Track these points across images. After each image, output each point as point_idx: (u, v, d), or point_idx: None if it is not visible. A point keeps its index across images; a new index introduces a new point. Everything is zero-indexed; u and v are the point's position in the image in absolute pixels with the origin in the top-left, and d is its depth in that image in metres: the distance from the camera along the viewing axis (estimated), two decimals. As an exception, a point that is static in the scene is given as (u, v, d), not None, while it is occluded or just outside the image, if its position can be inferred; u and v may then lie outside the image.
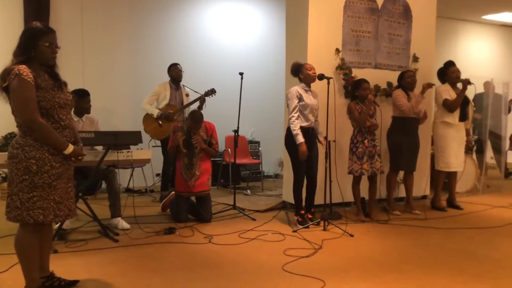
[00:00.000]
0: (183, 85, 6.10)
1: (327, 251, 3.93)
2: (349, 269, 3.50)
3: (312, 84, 4.71)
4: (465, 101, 5.48)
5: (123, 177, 6.57)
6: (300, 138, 4.50)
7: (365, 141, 4.91)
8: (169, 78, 6.03)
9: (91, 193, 6.13)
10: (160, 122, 5.86)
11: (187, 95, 6.05)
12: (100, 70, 6.82)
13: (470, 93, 5.67)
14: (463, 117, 5.52)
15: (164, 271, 3.44)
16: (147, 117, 5.95)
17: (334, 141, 4.98)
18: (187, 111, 5.79)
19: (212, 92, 5.84)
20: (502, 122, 7.06)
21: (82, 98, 4.78)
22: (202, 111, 5.77)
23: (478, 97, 7.43)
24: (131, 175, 6.49)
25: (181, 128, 4.97)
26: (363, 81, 4.94)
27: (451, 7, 8.31)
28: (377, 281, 3.27)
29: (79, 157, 2.87)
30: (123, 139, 4.26)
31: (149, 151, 4.69)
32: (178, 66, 6.03)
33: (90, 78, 6.64)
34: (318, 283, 3.18)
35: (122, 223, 4.56)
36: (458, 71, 5.46)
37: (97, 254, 3.80)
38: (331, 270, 3.46)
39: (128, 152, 4.42)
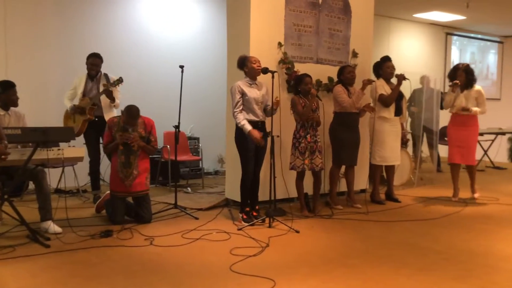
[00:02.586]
0: (105, 74, 5.51)
1: (275, 248, 3.85)
2: (297, 266, 3.44)
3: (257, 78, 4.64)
4: (399, 95, 5.61)
5: (51, 176, 6.12)
6: (248, 127, 4.45)
7: (307, 136, 4.88)
8: None
9: (17, 194, 5.67)
10: (74, 117, 5.44)
11: (104, 85, 5.43)
12: (25, 61, 6.29)
13: (405, 88, 5.81)
14: (398, 112, 5.65)
15: (102, 277, 3.20)
16: (66, 113, 5.54)
17: (278, 136, 4.91)
18: (108, 106, 5.42)
19: (119, 81, 5.30)
20: (434, 116, 7.33)
21: (9, 90, 4.36)
22: (114, 104, 5.40)
23: (417, 92, 7.64)
24: (61, 174, 6.06)
25: (117, 123, 4.67)
26: (305, 75, 4.92)
27: (384, 5, 8.52)
28: (326, 277, 3.23)
29: (3, 156, 2.57)
30: (54, 136, 3.95)
31: (82, 149, 4.39)
32: (92, 59, 5.43)
33: (14, 69, 6.12)
34: (268, 282, 3.09)
35: (54, 227, 4.22)
36: (393, 67, 5.59)
37: (26, 261, 3.48)
38: (280, 268, 3.39)
39: (58, 150, 4.09)
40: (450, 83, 5.79)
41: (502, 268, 3.43)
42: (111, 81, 5.35)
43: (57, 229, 4.22)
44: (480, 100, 5.68)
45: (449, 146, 5.92)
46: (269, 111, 4.62)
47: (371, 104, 5.47)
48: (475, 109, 5.61)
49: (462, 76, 5.62)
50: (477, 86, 5.74)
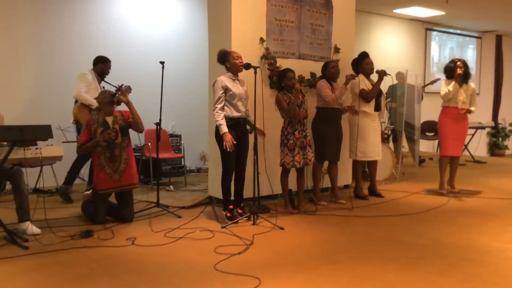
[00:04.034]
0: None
1: (259, 246, 3.81)
2: (283, 264, 3.40)
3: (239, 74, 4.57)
4: (379, 91, 5.62)
5: (30, 176, 5.97)
6: (224, 128, 4.35)
7: (295, 133, 4.83)
8: (89, 68, 5.58)
9: (-7, 195, 5.53)
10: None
11: (103, 87, 5.64)
12: (1, 60, 6.12)
13: (386, 83, 5.82)
14: (377, 107, 5.66)
15: (84, 279, 3.12)
16: (83, 109, 5.37)
17: (262, 132, 4.87)
18: None
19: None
20: (416, 111, 7.38)
21: None
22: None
23: (393, 88, 7.75)
24: (40, 173, 5.91)
25: (96, 120, 4.54)
26: (288, 70, 4.85)
27: (365, 0, 8.54)
28: (312, 274, 3.20)
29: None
30: (31, 134, 3.81)
31: (61, 147, 4.24)
32: (110, 63, 5.73)
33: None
34: (253, 281, 3.04)
35: (32, 228, 4.10)
36: (372, 63, 5.59)
37: (5, 264, 3.38)
38: (265, 266, 3.35)
39: (36, 148, 3.97)
40: (445, 77, 5.89)
41: (485, 261, 3.44)
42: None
43: (36, 230, 4.11)
44: (474, 97, 5.87)
45: (443, 139, 5.91)
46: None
47: (351, 103, 5.48)
48: (473, 108, 5.82)
49: (462, 69, 5.70)
50: (471, 83, 5.89)
